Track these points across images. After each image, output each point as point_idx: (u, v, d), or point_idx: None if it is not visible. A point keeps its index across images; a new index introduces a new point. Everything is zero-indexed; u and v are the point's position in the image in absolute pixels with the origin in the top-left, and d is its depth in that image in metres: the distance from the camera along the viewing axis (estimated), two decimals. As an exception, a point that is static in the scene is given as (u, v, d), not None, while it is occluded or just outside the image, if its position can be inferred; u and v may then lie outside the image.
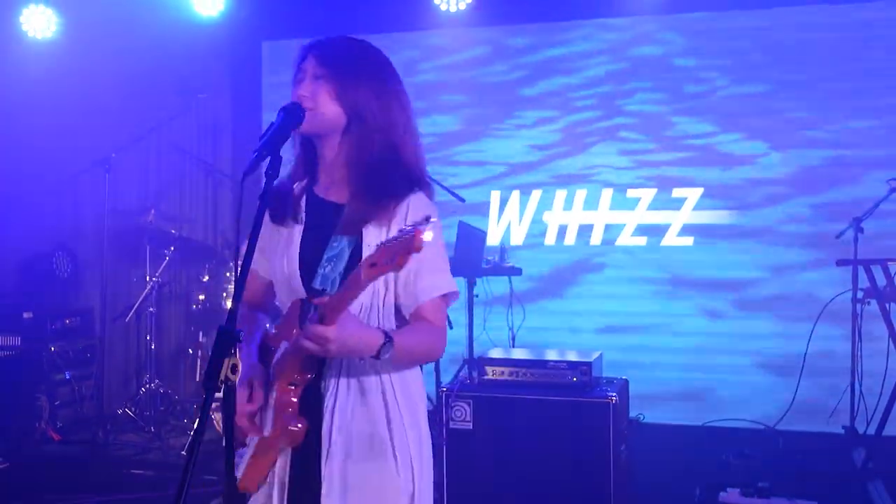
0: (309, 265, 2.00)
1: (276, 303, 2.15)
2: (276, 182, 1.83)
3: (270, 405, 1.97)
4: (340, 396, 1.95)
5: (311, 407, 1.95)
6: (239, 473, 2.01)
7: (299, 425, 1.92)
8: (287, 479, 1.97)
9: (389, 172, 1.99)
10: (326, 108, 1.98)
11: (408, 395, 2.01)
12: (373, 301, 1.98)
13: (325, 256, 1.98)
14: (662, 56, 6.22)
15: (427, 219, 1.63)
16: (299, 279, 2.00)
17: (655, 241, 6.17)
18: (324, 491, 1.92)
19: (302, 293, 1.99)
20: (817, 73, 5.90)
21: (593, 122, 6.34)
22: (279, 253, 2.05)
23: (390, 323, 2.01)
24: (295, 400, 1.93)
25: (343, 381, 1.96)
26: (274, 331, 2.08)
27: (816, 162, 5.90)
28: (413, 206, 1.98)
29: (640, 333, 6.12)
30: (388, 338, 1.84)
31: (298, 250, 2.01)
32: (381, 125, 2.00)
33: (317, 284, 1.98)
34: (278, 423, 1.93)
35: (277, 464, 1.98)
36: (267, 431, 1.97)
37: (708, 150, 6.10)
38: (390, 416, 1.97)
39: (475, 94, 6.57)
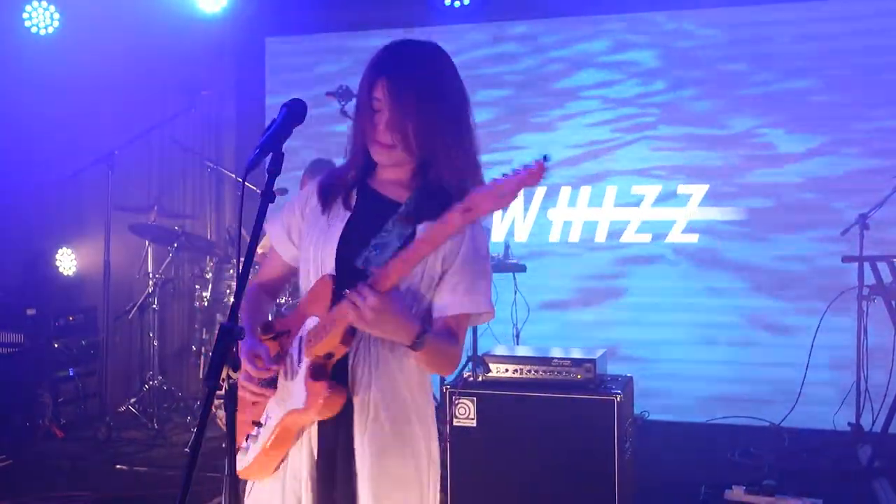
0: (348, 246, 1.99)
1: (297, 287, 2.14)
2: (331, 169, 1.88)
3: (295, 379, 1.95)
4: (371, 367, 1.97)
5: (339, 379, 1.96)
6: (251, 457, 2.00)
7: (341, 393, 1.91)
8: (316, 452, 1.98)
9: (451, 198, 1.88)
10: (407, 143, 1.94)
11: (422, 384, 2.05)
12: (412, 284, 1.97)
13: (372, 242, 1.98)
14: (687, 51, 6.20)
15: (546, 157, 1.64)
16: (333, 256, 1.98)
17: (660, 237, 6.15)
18: (357, 457, 1.94)
19: (331, 269, 1.98)
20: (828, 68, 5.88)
21: (606, 121, 6.33)
22: (318, 234, 2.03)
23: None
24: (329, 371, 1.93)
25: (373, 355, 1.97)
26: (286, 310, 2.08)
27: (844, 158, 5.86)
28: (469, 231, 1.97)
29: (645, 330, 6.10)
30: (427, 332, 1.86)
31: (341, 232, 2.00)
32: (451, 159, 1.96)
33: (358, 263, 1.97)
34: (318, 390, 1.89)
35: (303, 439, 1.98)
36: (286, 409, 1.95)
37: (720, 145, 6.09)
38: (413, 390, 2.01)
39: (481, 93, 6.55)
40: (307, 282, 2.05)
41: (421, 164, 2.01)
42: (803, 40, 5.93)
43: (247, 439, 2.02)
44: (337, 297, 1.92)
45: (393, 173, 2.05)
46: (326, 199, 2.06)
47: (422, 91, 1.93)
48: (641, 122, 6.24)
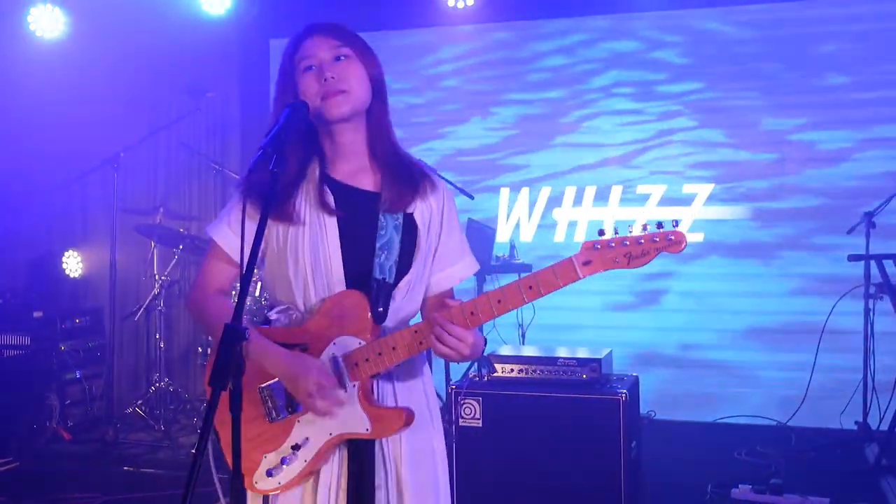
0: (353, 255, 1.97)
1: (278, 295, 2.07)
2: (268, 174, 1.76)
3: (343, 401, 1.91)
4: (394, 378, 2.00)
5: None
6: (286, 478, 1.96)
7: (410, 414, 1.92)
8: (346, 466, 1.97)
9: (406, 155, 2.06)
10: (361, 89, 1.97)
11: (421, 363, 2.10)
12: (420, 275, 2.03)
13: (377, 245, 1.96)
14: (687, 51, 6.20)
15: (676, 223, 1.66)
16: (342, 269, 1.96)
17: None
18: (378, 462, 1.96)
19: (342, 285, 1.96)
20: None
21: (607, 120, 6.32)
22: (308, 244, 1.97)
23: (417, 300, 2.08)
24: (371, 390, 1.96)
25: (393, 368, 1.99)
26: (297, 325, 2.01)
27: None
28: (447, 197, 2.09)
29: (651, 329, 6.09)
30: (485, 340, 1.95)
31: (338, 239, 1.97)
32: (386, 104, 2.05)
33: (377, 274, 1.96)
34: (391, 416, 1.90)
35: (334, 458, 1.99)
36: (335, 431, 1.92)
37: (723, 143, 6.08)
38: (425, 386, 2.07)
39: (483, 92, 6.55)
40: (302, 293, 1.99)
41: (370, 126, 2.03)
42: (831, 38, 5.89)
43: (280, 462, 1.96)
44: (375, 315, 1.93)
45: (354, 158, 2.03)
46: (286, 209, 1.95)
47: (347, 33, 2.03)
48: (648, 122, 6.24)
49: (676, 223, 1.64)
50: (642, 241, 1.63)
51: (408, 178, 2.01)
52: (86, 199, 6.89)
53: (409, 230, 1.99)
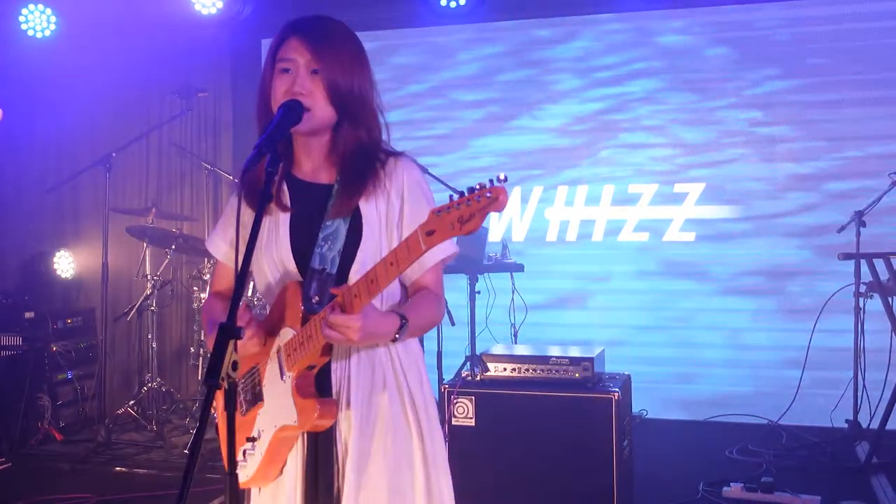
0: (300, 247, 2.00)
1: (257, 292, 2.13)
2: (249, 173, 1.81)
3: (282, 392, 1.94)
4: (353, 373, 1.97)
5: (321, 387, 1.96)
6: (251, 471, 1.99)
7: (331, 406, 1.91)
8: (303, 463, 1.97)
9: (371, 153, 2.02)
10: (324, 110, 1.96)
11: (411, 361, 2.05)
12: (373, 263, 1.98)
13: (320, 236, 1.98)
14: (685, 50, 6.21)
15: (504, 178, 1.59)
16: (293, 262, 1.99)
17: (657, 236, 6.16)
18: (343, 466, 1.93)
19: (296, 276, 1.99)
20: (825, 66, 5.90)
21: (598, 119, 6.33)
22: (264, 240, 2.03)
23: (394, 288, 2.03)
24: (313, 380, 1.94)
25: (353, 357, 1.98)
26: (264, 315, 2.06)
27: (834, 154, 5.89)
28: (406, 169, 2.03)
29: (643, 329, 6.11)
30: (405, 319, 1.88)
31: (289, 233, 2.01)
32: (366, 120, 2.02)
33: (315, 264, 1.97)
34: (309, 407, 1.88)
35: (297, 442, 1.98)
36: (277, 423, 1.94)
37: (707, 144, 6.10)
38: (399, 385, 2.01)
39: (483, 92, 6.55)
40: (268, 288, 2.05)
41: (334, 133, 2.01)
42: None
43: (243, 455, 2.00)
44: (307, 305, 1.92)
45: (315, 157, 2.05)
46: (260, 201, 1.91)
47: (334, 47, 1.97)
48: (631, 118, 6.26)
49: (505, 178, 1.57)
50: (470, 202, 1.58)
51: (363, 168, 2.00)
52: (77, 199, 6.87)
53: (358, 220, 1.98)
